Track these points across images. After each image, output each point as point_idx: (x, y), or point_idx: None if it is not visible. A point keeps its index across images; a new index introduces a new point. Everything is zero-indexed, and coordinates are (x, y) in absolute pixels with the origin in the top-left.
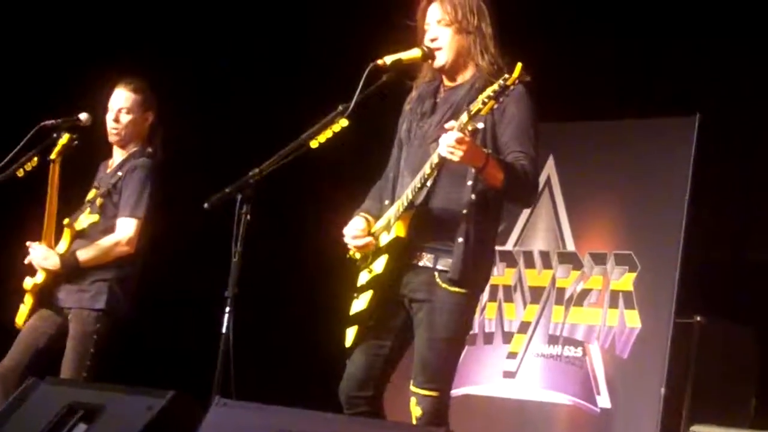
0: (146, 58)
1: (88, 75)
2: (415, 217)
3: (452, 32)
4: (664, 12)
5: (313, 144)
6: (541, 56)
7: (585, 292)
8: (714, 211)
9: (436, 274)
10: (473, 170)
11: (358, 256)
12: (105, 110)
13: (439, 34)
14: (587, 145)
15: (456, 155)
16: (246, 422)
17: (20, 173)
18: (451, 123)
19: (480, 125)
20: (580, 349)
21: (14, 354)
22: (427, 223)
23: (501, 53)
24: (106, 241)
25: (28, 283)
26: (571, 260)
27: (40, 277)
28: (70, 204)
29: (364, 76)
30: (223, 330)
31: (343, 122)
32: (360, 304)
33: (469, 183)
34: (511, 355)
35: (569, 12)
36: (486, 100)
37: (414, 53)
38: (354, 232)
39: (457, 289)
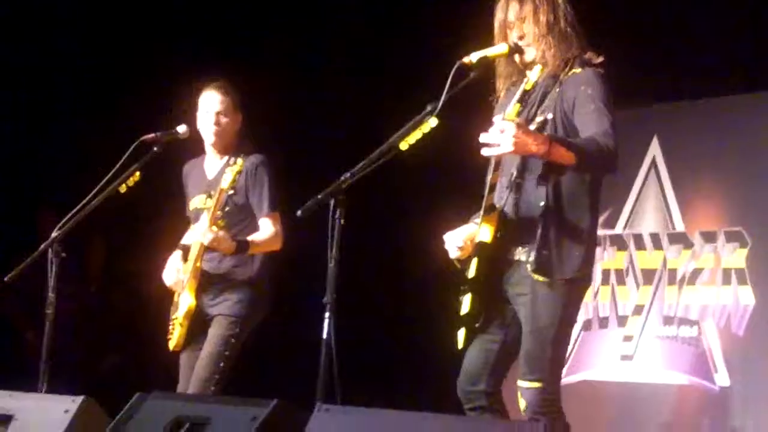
0: (229, 60)
1: (175, 84)
2: (501, 219)
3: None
4: None
5: (403, 146)
6: (644, 36)
7: (697, 272)
8: None
9: (528, 266)
10: (541, 164)
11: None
12: (195, 113)
13: (526, 31)
14: (691, 124)
15: (505, 146)
16: (347, 427)
17: (123, 189)
18: (497, 117)
19: (549, 116)
20: (695, 328)
21: (185, 382)
22: (514, 223)
23: (581, 39)
24: (265, 233)
25: (183, 306)
26: (681, 240)
27: (190, 300)
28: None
29: (451, 74)
30: (324, 336)
31: (433, 122)
32: (464, 307)
33: (540, 179)
34: (627, 338)
35: None
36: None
37: (501, 49)
38: (451, 238)
39: (543, 279)
